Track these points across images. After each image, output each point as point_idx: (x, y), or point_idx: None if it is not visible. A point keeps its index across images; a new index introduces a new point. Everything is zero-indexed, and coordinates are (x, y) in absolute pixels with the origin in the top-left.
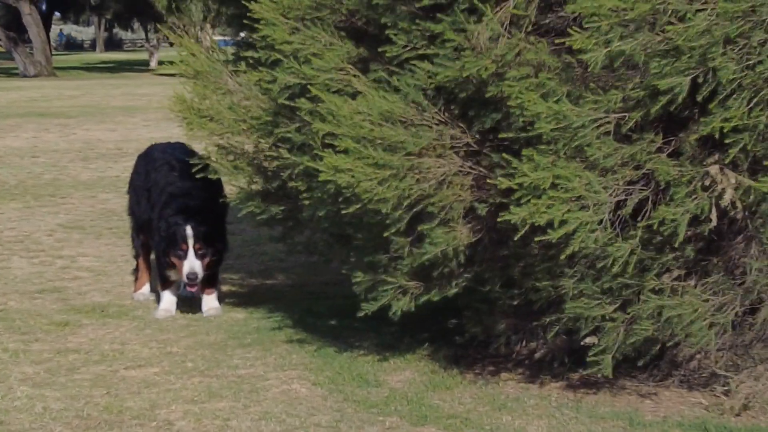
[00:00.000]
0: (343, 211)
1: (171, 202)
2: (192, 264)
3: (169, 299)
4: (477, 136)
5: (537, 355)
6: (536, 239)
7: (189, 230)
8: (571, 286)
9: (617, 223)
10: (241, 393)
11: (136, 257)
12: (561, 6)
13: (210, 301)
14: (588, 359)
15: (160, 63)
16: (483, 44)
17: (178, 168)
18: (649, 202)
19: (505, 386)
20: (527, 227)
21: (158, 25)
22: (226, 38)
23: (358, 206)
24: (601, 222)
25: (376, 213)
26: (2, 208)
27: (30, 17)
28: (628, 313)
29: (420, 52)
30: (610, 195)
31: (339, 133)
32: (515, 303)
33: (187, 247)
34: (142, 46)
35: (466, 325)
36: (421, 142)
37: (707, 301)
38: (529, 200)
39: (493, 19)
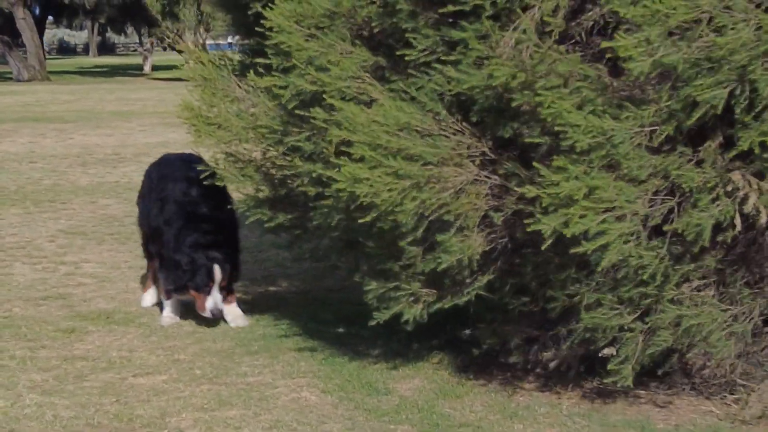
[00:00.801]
0: (360, 221)
1: (192, 229)
2: (216, 300)
3: (174, 305)
4: (492, 144)
5: (551, 365)
6: (572, 250)
7: (217, 271)
8: (588, 296)
9: (646, 233)
10: (251, 401)
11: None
12: (581, 14)
13: (233, 310)
14: (608, 368)
15: (154, 67)
16: (508, 53)
17: (197, 185)
18: (675, 212)
19: (516, 394)
20: (553, 237)
21: (152, 30)
22: (220, 42)
23: (374, 215)
24: (635, 233)
25: (391, 222)
26: (3, 214)
27: (24, 21)
28: (647, 323)
29: (442, 57)
30: (642, 205)
31: (355, 140)
32: (528, 311)
33: (213, 285)
34: (135, 50)
35: (478, 333)
36: (440, 152)
37: (726, 311)
38: (556, 210)
39: (526, 27)
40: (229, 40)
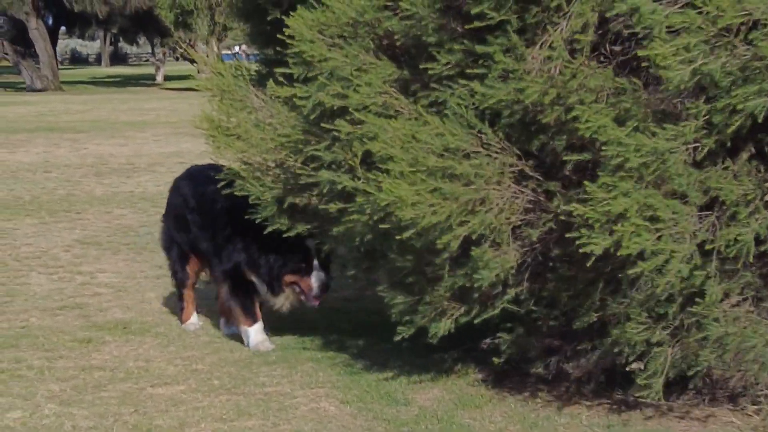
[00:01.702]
0: (397, 237)
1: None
2: (320, 275)
3: (261, 330)
4: (532, 161)
5: (572, 376)
6: (630, 272)
7: (311, 243)
8: (616, 309)
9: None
10: (270, 411)
11: (181, 287)
12: (603, 26)
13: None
14: (637, 383)
15: (167, 77)
16: (537, 68)
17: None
18: (716, 227)
19: (536, 405)
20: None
21: (165, 40)
22: (232, 52)
23: (411, 233)
24: (692, 253)
25: (430, 241)
26: (18, 224)
27: (37, 31)
28: (677, 338)
29: (467, 71)
30: (692, 223)
31: (393, 155)
32: (554, 324)
33: (313, 259)
34: (147, 61)
35: (501, 345)
36: (485, 172)
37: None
38: (602, 227)
39: (557, 44)
40: (236, 49)
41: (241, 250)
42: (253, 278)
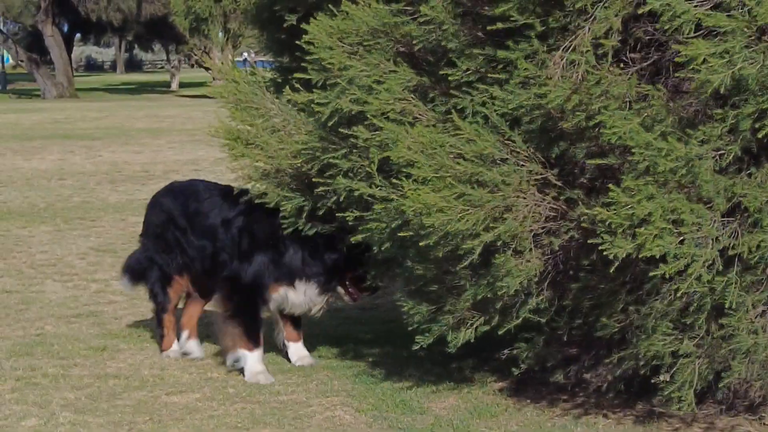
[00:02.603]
0: (421, 243)
1: (296, 240)
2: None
3: (260, 358)
4: (556, 168)
5: (591, 386)
6: (651, 274)
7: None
8: (640, 321)
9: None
10: (285, 420)
11: (161, 312)
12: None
13: (300, 350)
14: (665, 395)
15: (181, 84)
16: (559, 74)
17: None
18: (738, 234)
19: (553, 414)
20: (618, 261)
21: (180, 47)
22: (242, 59)
23: (435, 238)
24: (714, 259)
25: (447, 244)
26: (33, 231)
27: (52, 39)
28: (703, 348)
29: (489, 75)
30: (716, 228)
31: (416, 161)
32: (573, 333)
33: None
34: (162, 67)
35: (520, 356)
36: (512, 179)
37: None
38: (624, 231)
39: (586, 48)
40: (244, 56)
41: (269, 263)
42: (284, 290)
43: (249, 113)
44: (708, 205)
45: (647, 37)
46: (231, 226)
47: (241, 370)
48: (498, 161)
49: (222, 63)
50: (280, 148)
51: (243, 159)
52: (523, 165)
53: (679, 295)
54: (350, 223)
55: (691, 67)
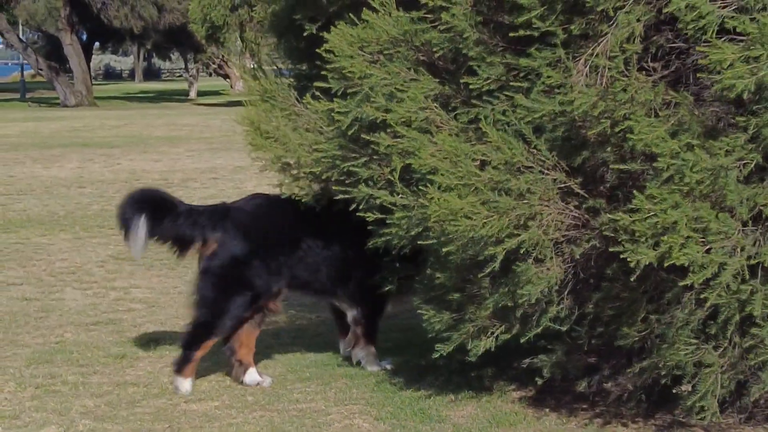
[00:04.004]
0: (443, 250)
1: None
2: None
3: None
4: (580, 176)
5: (612, 395)
6: (681, 284)
7: None
8: (662, 330)
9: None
10: (304, 428)
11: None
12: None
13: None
14: (688, 405)
15: (199, 93)
16: (583, 81)
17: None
18: (759, 242)
19: (572, 424)
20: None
21: (198, 55)
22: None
23: (457, 245)
24: (740, 266)
25: (468, 251)
26: (53, 239)
27: (71, 47)
28: (726, 359)
29: (512, 83)
30: (742, 237)
31: (439, 168)
32: (593, 342)
33: None
34: (180, 76)
35: (542, 367)
36: (538, 189)
37: None
38: (647, 239)
39: (615, 54)
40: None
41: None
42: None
43: (274, 108)
44: (731, 214)
45: (668, 45)
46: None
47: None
48: (523, 169)
49: (243, 69)
50: (300, 144)
51: (263, 152)
52: (547, 173)
53: (707, 304)
54: (369, 228)
55: (716, 70)
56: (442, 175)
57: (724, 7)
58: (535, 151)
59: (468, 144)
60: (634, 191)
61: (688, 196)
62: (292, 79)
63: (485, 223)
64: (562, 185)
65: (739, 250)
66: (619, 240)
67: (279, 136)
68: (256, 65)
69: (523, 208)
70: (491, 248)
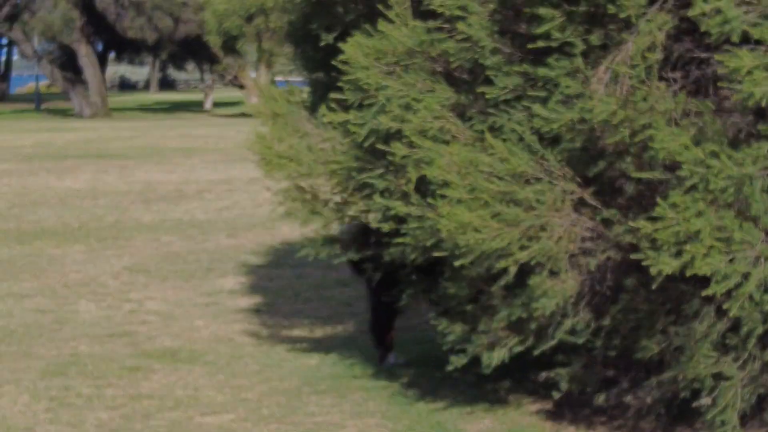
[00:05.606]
0: (456, 263)
1: None
2: None
3: None
4: (592, 187)
5: (631, 409)
6: (702, 293)
7: None
8: (680, 342)
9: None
10: None
11: None
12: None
13: None
14: (708, 418)
15: (215, 104)
16: (602, 90)
17: None
18: None
19: None
20: (662, 278)
21: (214, 66)
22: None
23: (470, 258)
24: (765, 276)
25: (481, 264)
26: (67, 251)
27: (86, 58)
28: (746, 371)
29: (529, 93)
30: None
31: (450, 181)
32: (611, 355)
33: None
34: (195, 87)
35: (559, 380)
36: (546, 199)
37: None
38: (669, 248)
39: (638, 63)
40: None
41: None
42: None
43: (286, 129)
44: (755, 224)
45: (688, 55)
46: None
47: None
48: (531, 180)
49: (257, 81)
50: (314, 161)
51: (276, 172)
52: (556, 183)
53: (729, 315)
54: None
55: (736, 79)
56: (452, 188)
57: (748, 13)
58: (542, 160)
59: (484, 153)
60: (658, 199)
61: (711, 205)
62: (305, 94)
63: (495, 236)
64: (574, 196)
65: (763, 260)
66: (641, 248)
67: (292, 155)
68: (270, 80)
69: (532, 219)
70: (503, 261)
